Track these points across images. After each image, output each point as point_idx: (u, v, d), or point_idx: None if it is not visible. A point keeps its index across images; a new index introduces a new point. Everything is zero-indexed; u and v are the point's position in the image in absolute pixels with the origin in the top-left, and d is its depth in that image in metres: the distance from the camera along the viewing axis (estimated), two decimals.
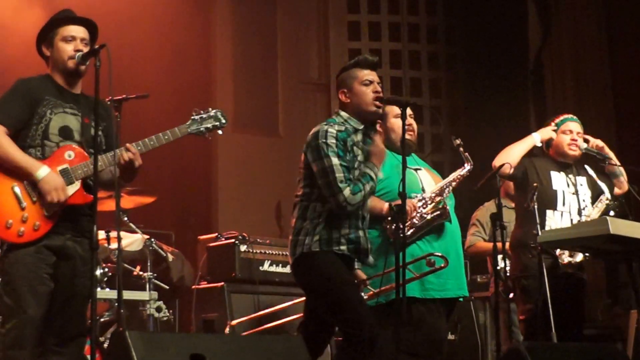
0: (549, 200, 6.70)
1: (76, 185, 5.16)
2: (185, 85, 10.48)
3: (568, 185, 6.83)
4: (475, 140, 10.55)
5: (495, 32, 11.39)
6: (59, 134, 5.18)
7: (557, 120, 7.01)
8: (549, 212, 6.67)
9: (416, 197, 6.09)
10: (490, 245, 7.35)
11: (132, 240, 8.18)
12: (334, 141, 5.44)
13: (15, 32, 8.98)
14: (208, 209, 11.06)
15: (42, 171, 5.06)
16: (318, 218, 5.47)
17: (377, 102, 5.58)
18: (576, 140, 6.89)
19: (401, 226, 5.30)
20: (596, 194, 6.86)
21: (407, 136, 5.54)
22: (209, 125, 5.40)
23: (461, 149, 6.36)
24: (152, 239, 7.92)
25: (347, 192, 5.36)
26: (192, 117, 5.38)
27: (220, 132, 5.44)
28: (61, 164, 5.14)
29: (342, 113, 5.63)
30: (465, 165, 6.32)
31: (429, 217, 6.06)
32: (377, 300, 5.90)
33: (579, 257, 6.62)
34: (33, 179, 5.06)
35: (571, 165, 6.92)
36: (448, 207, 6.10)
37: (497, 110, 11.09)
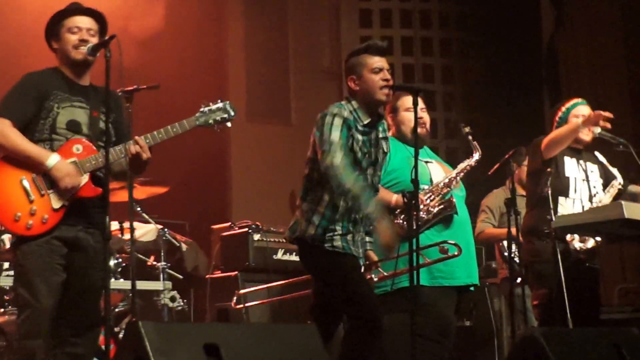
0: (563, 188, 6.67)
1: (85, 178, 5.16)
2: (198, 76, 10.46)
3: (579, 171, 6.79)
4: (488, 126, 10.56)
5: (508, 17, 11.34)
6: (67, 127, 5.18)
7: (568, 105, 6.95)
8: (561, 199, 6.63)
9: (423, 189, 6.08)
10: (499, 231, 7.36)
11: (146, 231, 8.18)
12: (340, 121, 5.42)
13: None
14: (222, 199, 11.07)
15: (52, 159, 5.07)
16: (316, 204, 5.49)
17: (386, 90, 5.54)
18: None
19: (415, 214, 5.32)
20: (608, 181, 6.82)
21: (418, 129, 5.55)
22: (218, 118, 5.35)
23: (470, 137, 6.34)
24: (166, 229, 7.94)
25: (337, 158, 5.30)
26: (201, 110, 5.34)
27: (229, 124, 5.39)
28: (69, 157, 5.14)
29: (353, 102, 5.59)
30: (474, 154, 6.31)
31: (435, 210, 6.08)
32: (383, 288, 5.92)
33: (590, 242, 6.58)
34: (43, 168, 5.06)
35: (581, 151, 6.87)
36: (454, 199, 6.10)
37: (510, 95, 11.06)
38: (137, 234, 7.88)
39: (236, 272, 7.93)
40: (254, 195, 10.52)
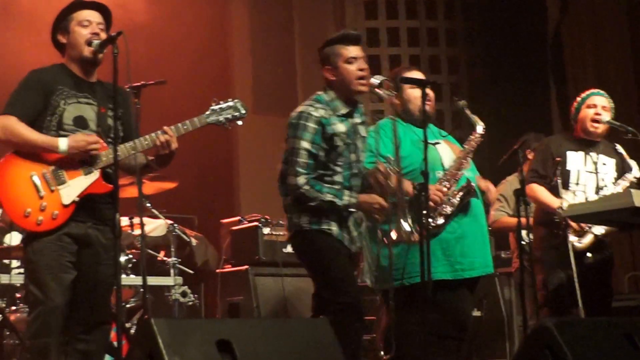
0: (562, 180, 6.64)
1: (95, 175, 5.15)
2: (204, 69, 10.49)
3: (586, 163, 6.75)
4: (495, 115, 10.54)
5: (513, 5, 11.32)
6: (74, 124, 5.18)
7: (584, 95, 6.94)
8: (562, 191, 6.60)
9: (439, 180, 5.99)
10: (514, 220, 7.33)
11: (155, 226, 8.20)
12: (314, 126, 5.50)
13: None
14: (230, 192, 11.10)
15: (62, 143, 5.07)
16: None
17: (363, 81, 5.58)
18: (600, 115, 6.81)
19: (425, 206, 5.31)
20: (624, 174, 6.79)
21: (425, 107, 5.60)
22: (229, 116, 5.37)
23: (467, 110, 6.19)
24: (175, 224, 7.94)
25: (301, 179, 5.45)
26: (212, 107, 5.35)
27: (240, 122, 5.41)
28: None
29: (330, 92, 5.64)
30: (477, 127, 6.14)
31: (456, 200, 5.97)
32: (401, 282, 5.89)
33: (588, 238, 6.54)
34: (57, 153, 5.06)
35: (597, 144, 6.82)
36: (472, 183, 6.04)
37: (516, 84, 11.04)
38: (147, 229, 7.90)
39: (246, 266, 7.92)
40: (262, 189, 10.47)
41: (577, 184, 6.71)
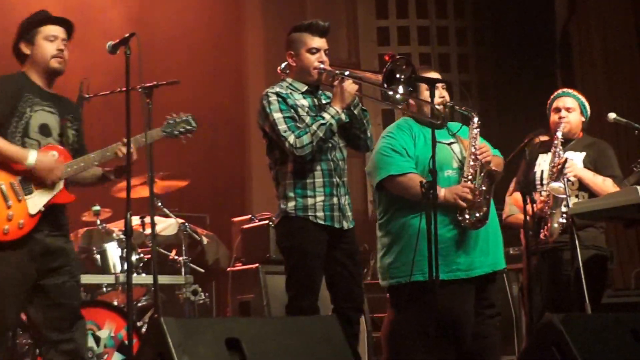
0: (531, 185, 6.62)
1: (60, 185, 5.28)
2: (218, 70, 10.57)
3: (553, 161, 6.64)
4: (504, 114, 10.56)
5: (522, 4, 11.33)
6: (39, 131, 5.28)
7: (553, 95, 6.89)
8: (535, 196, 6.55)
9: (464, 181, 5.96)
10: None
11: (167, 225, 8.25)
12: (275, 97, 5.69)
13: None
14: (242, 191, 11.14)
15: (32, 157, 5.15)
16: (286, 179, 5.71)
17: (319, 70, 5.75)
18: (563, 118, 6.72)
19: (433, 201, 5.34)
20: (597, 170, 6.67)
21: (439, 108, 5.77)
22: (182, 129, 5.57)
23: (456, 107, 6.17)
24: (186, 223, 7.99)
25: (291, 138, 5.56)
26: (168, 121, 5.55)
27: (190, 135, 5.61)
28: None
29: (287, 79, 5.84)
30: (473, 118, 6.09)
31: (485, 188, 5.96)
32: (401, 280, 5.93)
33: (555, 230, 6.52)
34: (24, 167, 5.14)
35: (572, 142, 6.77)
36: (490, 166, 6.01)
37: (525, 83, 11.04)
38: (158, 228, 7.95)
39: (257, 265, 7.95)
40: (273, 188, 10.56)
41: (542, 184, 6.69)
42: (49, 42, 5.33)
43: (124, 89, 5.32)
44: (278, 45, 11.21)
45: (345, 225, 5.77)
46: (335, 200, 5.72)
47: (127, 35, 5.19)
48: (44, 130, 5.29)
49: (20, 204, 5.15)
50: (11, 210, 5.12)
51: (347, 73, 5.74)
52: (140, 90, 5.46)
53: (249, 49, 11.31)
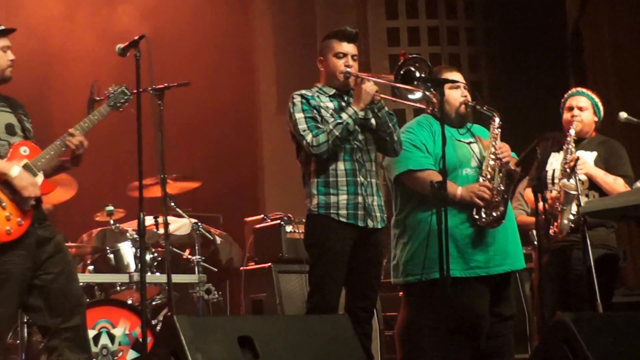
0: (544, 184, 6.61)
1: (40, 177, 5.34)
2: (228, 71, 10.59)
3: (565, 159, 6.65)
4: (514, 114, 10.55)
5: (533, 4, 11.32)
6: (6, 131, 5.36)
7: (567, 94, 6.91)
8: (547, 194, 6.56)
9: (480, 181, 6.02)
10: (530, 219, 7.33)
11: (180, 225, 8.29)
12: (299, 99, 5.83)
13: None
14: (254, 191, 11.17)
15: (15, 170, 5.23)
16: (310, 178, 5.83)
17: (345, 74, 5.85)
18: (575, 117, 6.74)
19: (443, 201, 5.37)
20: (609, 169, 6.68)
21: (461, 108, 6.07)
22: (122, 100, 5.59)
23: (478, 107, 6.22)
24: (199, 223, 8.01)
25: (309, 137, 5.68)
26: (109, 95, 5.58)
27: (127, 104, 5.60)
28: (20, 160, 5.32)
29: (318, 84, 5.97)
30: (494, 118, 6.14)
31: (503, 187, 6.01)
32: (417, 278, 5.95)
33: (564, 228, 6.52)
34: (6, 178, 5.21)
35: (584, 141, 6.78)
36: (509, 165, 6.05)
37: (536, 82, 11.03)
38: (171, 228, 7.98)
39: (270, 264, 7.98)
40: (285, 187, 10.57)
41: (553, 183, 6.69)
42: (3, 52, 5.42)
43: (135, 91, 5.37)
44: (287, 45, 11.33)
45: (371, 224, 5.80)
46: (360, 199, 5.77)
47: (136, 37, 5.22)
48: (10, 129, 5.38)
49: (13, 202, 5.22)
50: (7, 211, 5.19)
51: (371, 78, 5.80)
52: (151, 92, 5.50)
53: (259, 50, 11.34)
